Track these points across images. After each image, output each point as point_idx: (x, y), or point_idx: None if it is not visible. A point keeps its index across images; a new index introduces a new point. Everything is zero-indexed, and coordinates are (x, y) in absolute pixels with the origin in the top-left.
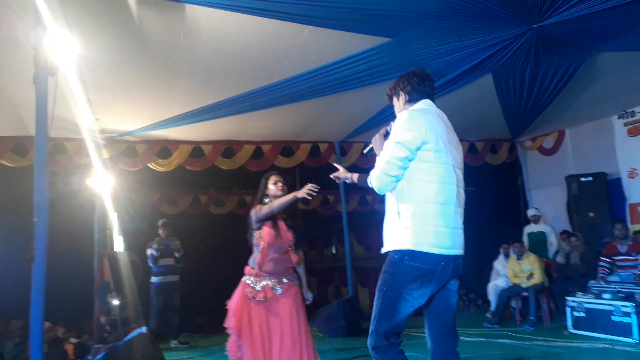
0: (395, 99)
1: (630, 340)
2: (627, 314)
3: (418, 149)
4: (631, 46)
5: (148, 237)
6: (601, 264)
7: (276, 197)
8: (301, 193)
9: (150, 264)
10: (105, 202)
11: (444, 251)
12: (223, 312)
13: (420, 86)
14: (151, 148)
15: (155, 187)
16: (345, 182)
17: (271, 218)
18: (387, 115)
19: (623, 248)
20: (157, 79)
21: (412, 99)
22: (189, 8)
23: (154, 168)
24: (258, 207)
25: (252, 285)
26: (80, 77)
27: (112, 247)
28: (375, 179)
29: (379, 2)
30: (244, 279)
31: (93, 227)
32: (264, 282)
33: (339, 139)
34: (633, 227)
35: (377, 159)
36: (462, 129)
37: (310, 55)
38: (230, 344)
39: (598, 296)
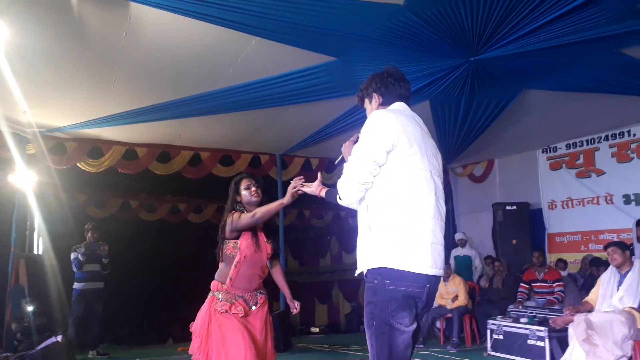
0: (367, 100)
1: None
2: (541, 338)
3: (389, 152)
4: (557, 86)
5: (71, 240)
6: (520, 289)
7: (250, 203)
8: (287, 199)
9: (74, 269)
10: (26, 201)
11: (424, 270)
12: (146, 323)
13: (395, 87)
14: (81, 147)
15: (82, 188)
16: (283, 195)
17: (251, 228)
18: (331, 131)
19: (540, 275)
20: (94, 75)
21: (385, 102)
22: (134, 6)
23: (83, 168)
24: (236, 214)
25: (224, 300)
26: (11, 66)
27: (30, 249)
28: (342, 188)
29: (326, 21)
30: (211, 294)
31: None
32: (238, 297)
33: (280, 152)
34: (551, 256)
35: (344, 165)
36: None
37: (255, 66)
38: None
39: (516, 320)
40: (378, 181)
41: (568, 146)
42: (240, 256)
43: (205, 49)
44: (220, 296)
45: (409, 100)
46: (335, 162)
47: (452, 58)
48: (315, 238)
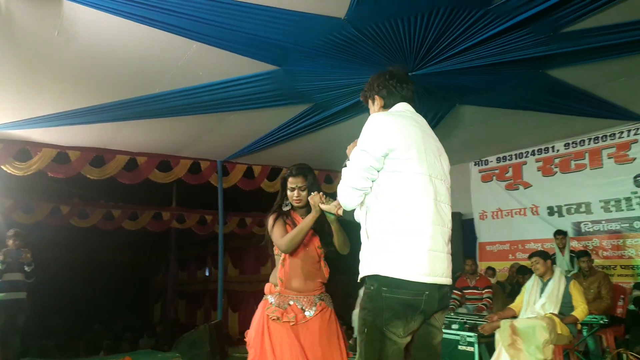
0: (370, 102)
1: None
2: (471, 344)
3: (385, 156)
4: (488, 103)
5: None
6: (452, 296)
7: (297, 205)
8: (316, 211)
9: None
10: None
11: (420, 278)
12: (76, 335)
13: (398, 89)
14: (7, 148)
15: (9, 192)
16: (224, 202)
17: (292, 221)
18: (274, 139)
19: (472, 282)
20: (23, 74)
21: (388, 104)
22: (67, 4)
23: (9, 171)
24: (271, 219)
25: (277, 304)
26: None
27: None
28: (340, 194)
29: (269, 30)
30: (264, 298)
31: None
32: (291, 302)
33: (221, 159)
34: (481, 264)
35: (343, 170)
36: (342, 161)
37: (196, 71)
38: None
39: (448, 326)
40: (376, 186)
41: (498, 159)
42: (284, 254)
43: (143, 51)
44: (272, 300)
45: (413, 101)
46: (343, 167)
47: None
48: (257, 246)
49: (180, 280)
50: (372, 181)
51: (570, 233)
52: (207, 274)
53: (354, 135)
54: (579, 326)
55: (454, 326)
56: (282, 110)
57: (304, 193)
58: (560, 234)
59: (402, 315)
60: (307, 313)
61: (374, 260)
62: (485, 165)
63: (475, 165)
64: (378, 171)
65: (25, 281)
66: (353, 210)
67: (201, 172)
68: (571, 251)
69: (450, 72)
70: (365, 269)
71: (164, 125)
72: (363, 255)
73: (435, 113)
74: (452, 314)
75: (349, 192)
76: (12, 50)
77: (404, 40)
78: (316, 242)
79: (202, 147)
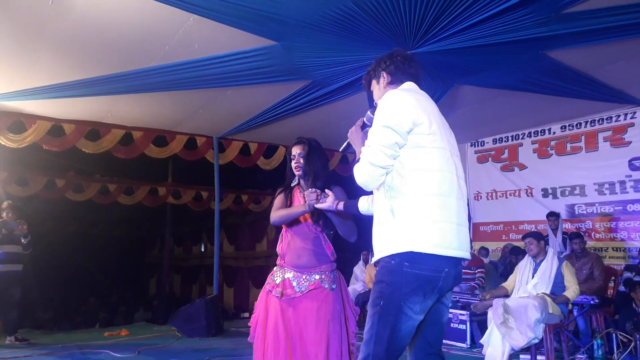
0: (374, 82)
1: (463, 345)
2: (463, 322)
3: (409, 132)
4: (486, 83)
5: None
6: None
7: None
8: (305, 206)
9: None
10: None
11: (449, 252)
12: (72, 307)
13: (405, 66)
14: (1, 120)
15: (2, 164)
16: (220, 179)
17: (291, 198)
18: (271, 116)
19: (464, 262)
20: (16, 45)
21: (395, 81)
22: None
23: (3, 143)
24: (277, 201)
25: (274, 276)
26: None
27: None
28: (361, 172)
29: (266, 3)
30: (273, 270)
31: None
32: (287, 275)
33: (218, 135)
34: (475, 244)
35: (362, 149)
36: (337, 140)
37: (192, 44)
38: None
39: None
40: (398, 162)
41: (495, 141)
42: (283, 229)
43: (139, 23)
44: (275, 269)
45: (419, 81)
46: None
47: (390, 50)
48: (252, 223)
49: (176, 256)
50: (395, 159)
51: (564, 215)
52: (202, 249)
53: (352, 114)
54: (570, 306)
55: None
56: (280, 87)
57: (302, 161)
58: (552, 215)
59: (420, 292)
60: (296, 289)
61: (403, 237)
62: (481, 146)
63: (471, 146)
64: (401, 148)
65: (22, 253)
66: (357, 205)
67: (197, 148)
68: (564, 233)
69: (449, 51)
70: (389, 248)
71: (160, 99)
72: (384, 233)
73: (433, 93)
74: None
75: (372, 172)
76: (5, 20)
77: (404, 17)
78: (308, 219)
79: (199, 123)
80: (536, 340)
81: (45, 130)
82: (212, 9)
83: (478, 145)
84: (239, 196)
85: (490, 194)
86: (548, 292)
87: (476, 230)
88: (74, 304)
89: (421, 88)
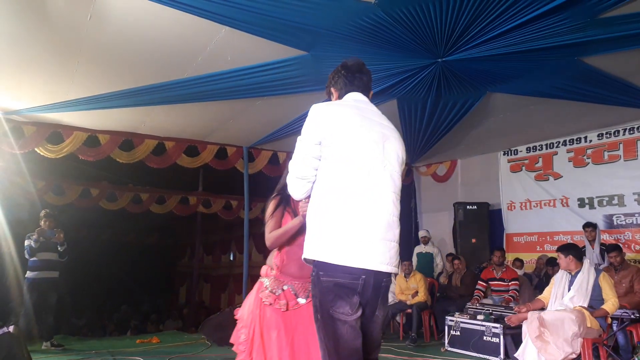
0: (330, 96)
1: (497, 359)
2: (496, 335)
3: (320, 144)
4: (519, 91)
5: (29, 227)
6: (478, 287)
7: None
8: (300, 218)
9: (27, 256)
10: None
11: (357, 264)
12: (105, 315)
13: (350, 79)
14: (41, 131)
15: (41, 173)
16: (249, 188)
17: (293, 211)
18: (300, 126)
19: (498, 274)
20: (56, 58)
21: (342, 95)
22: None
23: (42, 153)
24: (271, 206)
25: (271, 289)
26: None
27: None
28: (288, 182)
29: (298, 14)
30: (260, 280)
31: None
32: (285, 287)
33: (247, 145)
34: (508, 255)
35: (289, 162)
36: None
37: (225, 56)
38: None
39: (473, 317)
40: (319, 174)
41: (528, 149)
42: None
43: (173, 36)
44: (267, 283)
45: (368, 89)
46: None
47: (420, 58)
48: None
49: (205, 264)
50: (315, 169)
51: (602, 226)
52: (231, 258)
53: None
54: (609, 320)
55: (480, 317)
56: (309, 97)
57: None
58: (589, 226)
59: (344, 295)
60: (299, 300)
61: (314, 245)
62: (515, 155)
63: (504, 154)
64: (318, 159)
65: (58, 260)
66: None
67: (227, 158)
68: (602, 244)
69: (481, 59)
70: (307, 250)
71: (191, 110)
72: (307, 238)
73: (465, 101)
74: (477, 304)
75: (294, 182)
76: (45, 34)
77: (435, 25)
78: None
79: (229, 133)
80: (573, 356)
81: (81, 141)
82: (244, 21)
83: (511, 154)
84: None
85: (524, 204)
86: (585, 305)
87: (509, 241)
88: (107, 311)
89: (452, 96)
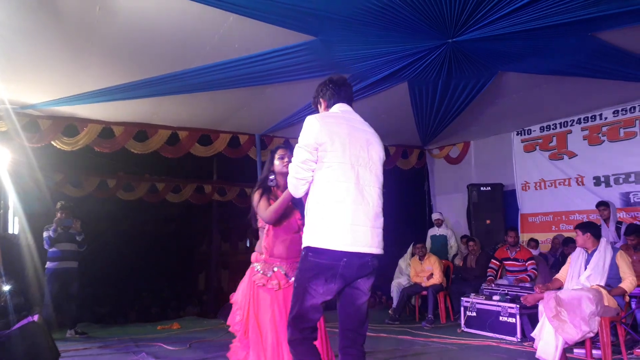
0: (318, 106)
1: (513, 339)
2: (512, 315)
3: (316, 149)
4: (532, 69)
5: (47, 220)
6: (490, 266)
7: (282, 173)
8: None
9: (46, 247)
10: (0, 179)
11: (342, 247)
12: (126, 303)
13: (337, 91)
14: (56, 124)
15: (59, 166)
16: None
17: (273, 197)
18: (311, 111)
19: (512, 254)
20: (68, 51)
21: (330, 105)
22: None
23: (58, 146)
24: (257, 195)
25: (262, 271)
26: None
27: (5, 228)
28: (289, 184)
29: None
30: (251, 266)
31: None
32: (275, 268)
33: (259, 132)
34: (523, 236)
35: (289, 165)
36: (377, 133)
37: (232, 44)
38: (233, 346)
39: (489, 297)
40: (316, 175)
41: (542, 129)
42: (268, 224)
43: (181, 26)
44: (258, 267)
45: (351, 100)
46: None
47: (430, 40)
48: None
49: (223, 251)
50: (312, 171)
51: (618, 204)
52: (247, 244)
53: (391, 106)
54: (627, 298)
55: (495, 297)
56: (319, 82)
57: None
58: (602, 205)
59: (320, 276)
60: (290, 278)
61: (309, 234)
62: (528, 134)
63: (517, 135)
64: (314, 162)
65: (77, 251)
66: None
67: (240, 146)
68: (618, 222)
69: (492, 38)
70: (304, 241)
71: (203, 99)
72: (304, 230)
73: (476, 82)
74: (492, 285)
75: (294, 183)
76: (57, 28)
77: (444, 5)
78: (297, 214)
79: (241, 121)
80: (591, 334)
81: (96, 133)
82: (251, 7)
83: (524, 134)
84: None
85: (538, 184)
86: (602, 283)
87: (524, 222)
88: (128, 300)
89: (463, 76)
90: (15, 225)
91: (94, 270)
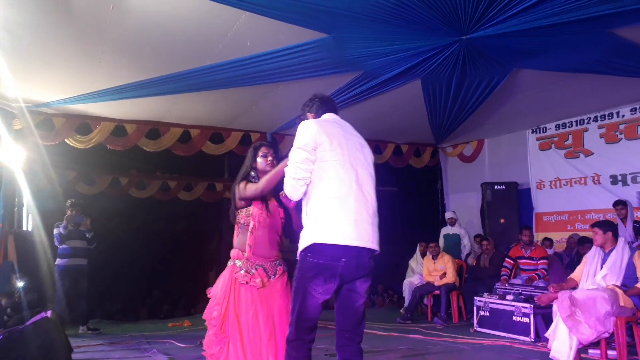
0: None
1: (527, 339)
2: (526, 315)
3: (315, 149)
4: (547, 66)
5: (61, 217)
6: (504, 264)
7: (264, 172)
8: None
9: (57, 244)
10: (14, 177)
11: (343, 241)
12: (137, 300)
13: (322, 104)
14: (69, 122)
15: (72, 164)
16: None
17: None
18: None
19: (527, 252)
20: (82, 50)
21: (318, 115)
22: None
23: (72, 144)
24: (242, 184)
25: (245, 269)
26: None
27: (19, 225)
28: (286, 186)
29: None
30: (231, 263)
31: None
32: (258, 267)
33: (271, 130)
34: (537, 235)
35: (285, 168)
36: (390, 131)
37: (245, 41)
38: (208, 338)
39: (502, 297)
40: (312, 175)
41: (557, 127)
42: (254, 222)
43: (194, 24)
44: (240, 264)
45: (336, 111)
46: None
47: (443, 37)
48: None
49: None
50: (310, 172)
51: (635, 203)
52: None
53: (404, 103)
54: None
55: (509, 297)
56: (331, 80)
57: (274, 161)
58: (619, 204)
59: (319, 276)
60: (271, 277)
61: (310, 233)
62: (543, 132)
63: (532, 133)
64: (312, 162)
65: (87, 248)
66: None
67: (252, 144)
68: (635, 221)
69: (506, 35)
70: (302, 243)
71: (215, 97)
72: (302, 232)
73: (490, 79)
74: (506, 285)
75: (292, 183)
76: (70, 26)
77: (458, 2)
78: (281, 213)
79: (252, 119)
80: (606, 335)
81: (109, 131)
82: (263, 5)
83: (540, 132)
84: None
85: (553, 183)
86: (619, 283)
87: (539, 221)
88: (139, 297)
89: (477, 74)
90: (29, 222)
91: (105, 267)
